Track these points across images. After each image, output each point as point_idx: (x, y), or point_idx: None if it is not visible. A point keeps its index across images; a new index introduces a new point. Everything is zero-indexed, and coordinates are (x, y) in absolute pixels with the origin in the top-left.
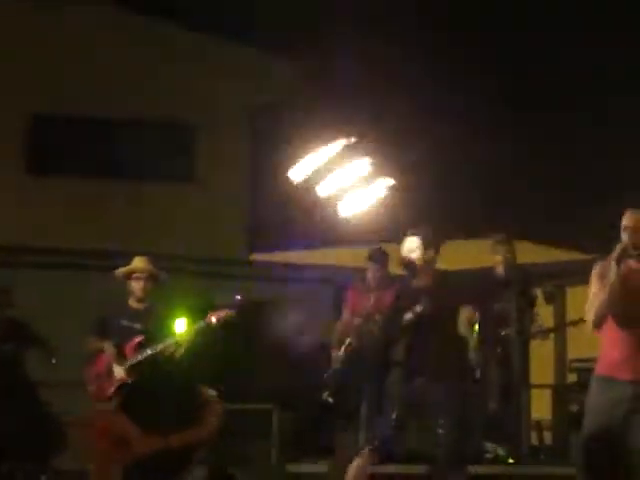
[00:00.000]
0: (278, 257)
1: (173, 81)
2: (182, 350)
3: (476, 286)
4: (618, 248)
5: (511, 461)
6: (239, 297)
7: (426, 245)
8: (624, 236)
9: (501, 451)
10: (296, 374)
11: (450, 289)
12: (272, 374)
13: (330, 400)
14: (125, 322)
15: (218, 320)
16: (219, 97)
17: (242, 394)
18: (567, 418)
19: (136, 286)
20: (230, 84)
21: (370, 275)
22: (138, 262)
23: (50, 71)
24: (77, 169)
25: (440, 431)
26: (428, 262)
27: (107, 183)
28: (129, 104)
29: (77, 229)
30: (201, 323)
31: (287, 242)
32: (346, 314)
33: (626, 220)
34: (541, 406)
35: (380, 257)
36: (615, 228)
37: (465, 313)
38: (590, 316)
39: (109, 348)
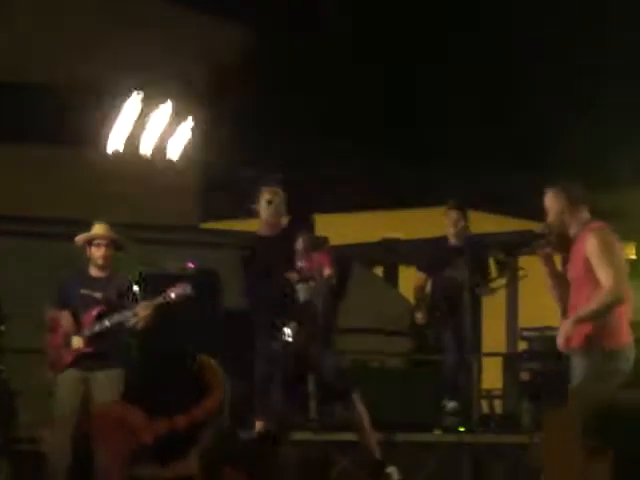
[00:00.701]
0: (229, 225)
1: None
2: (142, 323)
3: (427, 253)
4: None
5: (462, 429)
6: (191, 265)
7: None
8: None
9: (452, 419)
10: (248, 340)
11: None
12: (223, 341)
13: (290, 339)
14: (84, 291)
15: (177, 296)
16: (158, 64)
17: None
18: (517, 387)
19: (97, 253)
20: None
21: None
22: (98, 229)
23: None
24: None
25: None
26: None
27: (54, 150)
28: (64, 69)
29: (26, 197)
30: (160, 299)
31: (236, 210)
32: None
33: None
34: (492, 375)
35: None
36: None
37: (417, 279)
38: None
39: (67, 318)
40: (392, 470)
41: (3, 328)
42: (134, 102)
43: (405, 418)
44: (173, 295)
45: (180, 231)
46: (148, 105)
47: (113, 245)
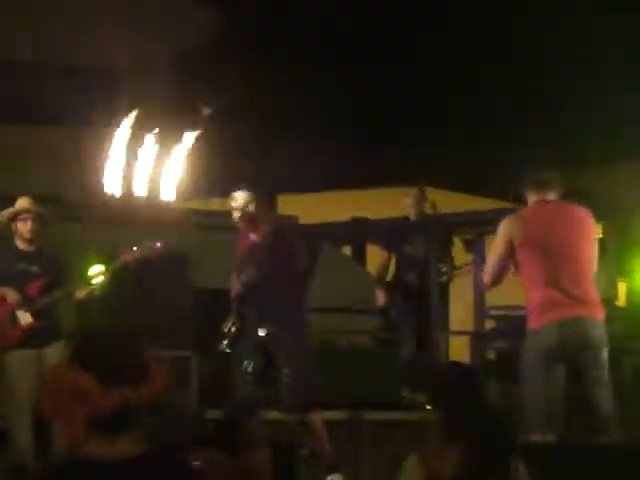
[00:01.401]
0: (201, 204)
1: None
2: (96, 292)
3: (389, 231)
4: None
5: (429, 407)
6: (159, 244)
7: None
8: None
9: (419, 397)
10: (215, 320)
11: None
12: (189, 320)
13: (228, 350)
14: (21, 265)
15: (133, 258)
16: (137, 41)
17: (160, 341)
18: (484, 365)
19: (23, 228)
20: (156, 24)
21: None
22: (23, 202)
23: None
24: None
25: (285, 380)
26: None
27: (25, 129)
28: (40, 47)
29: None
30: (115, 263)
31: (208, 189)
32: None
33: None
34: (459, 352)
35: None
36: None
37: (380, 257)
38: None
39: (12, 294)
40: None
41: None
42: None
43: (372, 396)
44: (126, 259)
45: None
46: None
47: (39, 219)
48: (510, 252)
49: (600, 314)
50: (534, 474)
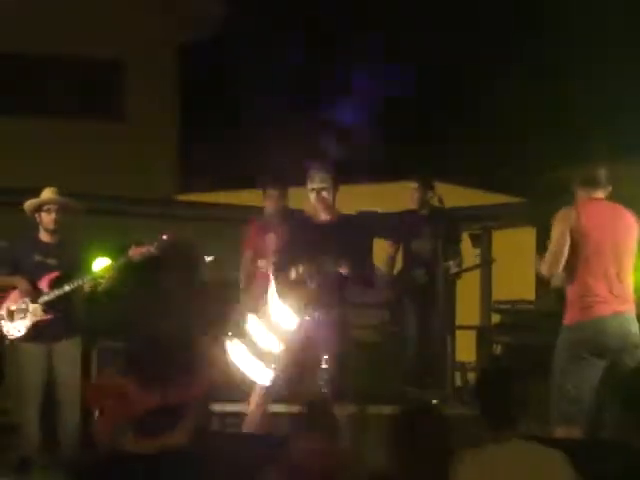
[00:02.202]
0: (210, 197)
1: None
2: (102, 286)
3: (395, 224)
4: None
5: (435, 402)
6: (165, 236)
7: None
8: None
9: (424, 393)
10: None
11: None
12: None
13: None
14: (38, 257)
15: (139, 255)
16: (146, 32)
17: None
18: (491, 360)
19: (46, 218)
20: (157, 18)
21: (270, 206)
22: (47, 193)
23: None
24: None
25: (322, 367)
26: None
27: (31, 120)
28: (51, 39)
29: (2, 167)
30: (121, 260)
31: (218, 181)
32: (247, 253)
33: None
34: (466, 347)
35: (281, 183)
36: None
37: (386, 249)
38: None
39: (23, 284)
40: None
41: None
42: None
43: (377, 391)
44: (135, 255)
45: (156, 204)
46: None
47: (63, 210)
48: (567, 241)
49: (635, 311)
50: None
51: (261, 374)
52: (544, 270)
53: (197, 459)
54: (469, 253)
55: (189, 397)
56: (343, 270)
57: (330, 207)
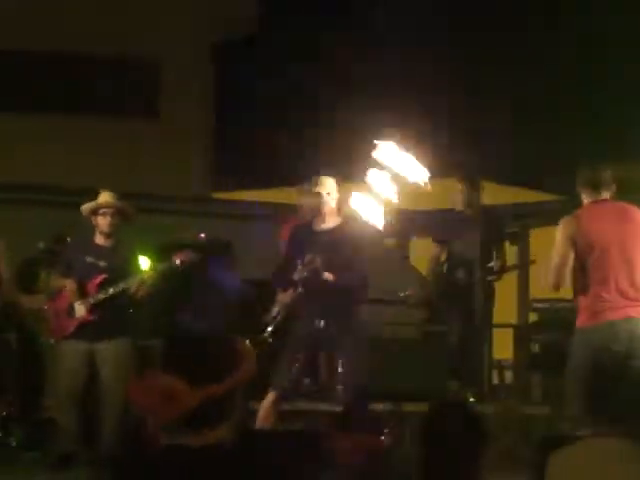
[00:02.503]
0: (243, 195)
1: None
2: (145, 290)
3: (437, 224)
4: None
5: (472, 399)
6: (203, 235)
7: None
8: None
9: (465, 391)
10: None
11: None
12: (236, 313)
13: (270, 340)
14: (90, 259)
15: (182, 262)
16: (180, 32)
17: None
18: (528, 358)
19: (102, 222)
20: (191, 18)
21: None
22: (104, 197)
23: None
24: (35, 105)
25: (340, 369)
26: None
27: (67, 119)
28: (90, 38)
29: (39, 165)
30: (165, 264)
31: (252, 180)
32: (283, 251)
33: None
34: (503, 345)
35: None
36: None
37: (432, 250)
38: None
39: (71, 285)
40: None
41: None
42: None
43: (417, 389)
44: (178, 261)
45: (192, 202)
46: None
47: (119, 214)
48: (570, 251)
49: None
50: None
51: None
52: (549, 284)
53: (243, 454)
54: (507, 251)
55: (231, 392)
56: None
57: (333, 212)
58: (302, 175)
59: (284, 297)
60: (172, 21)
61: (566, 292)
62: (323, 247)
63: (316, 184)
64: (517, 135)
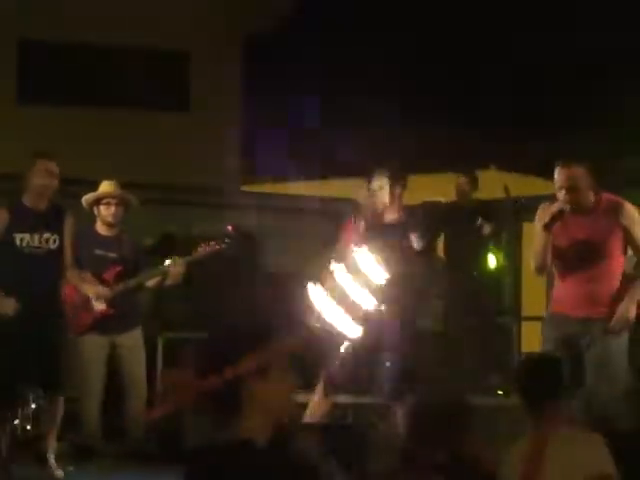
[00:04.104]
0: (273, 188)
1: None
2: (172, 280)
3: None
4: (552, 212)
5: (500, 393)
6: (230, 227)
7: (394, 181)
8: (559, 195)
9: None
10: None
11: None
12: (261, 307)
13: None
14: (99, 251)
15: (208, 254)
16: (211, 23)
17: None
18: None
19: (105, 212)
20: (222, 9)
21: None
22: (106, 187)
23: None
24: (65, 97)
25: (387, 364)
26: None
27: (96, 111)
28: (120, 30)
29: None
30: (190, 256)
31: (283, 172)
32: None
33: (560, 179)
34: (531, 339)
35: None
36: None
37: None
38: (532, 263)
39: (89, 279)
40: None
41: None
42: None
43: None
44: (204, 253)
45: (221, 194)
46: None
47: (122, 204)
48: (549, 236)
49: (605, 313)
50: None
51: (350, 327)
52: (533, 268)
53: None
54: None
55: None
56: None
57: (390, 206)
58: (336, 168)
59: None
60: (203, 12)
61: None
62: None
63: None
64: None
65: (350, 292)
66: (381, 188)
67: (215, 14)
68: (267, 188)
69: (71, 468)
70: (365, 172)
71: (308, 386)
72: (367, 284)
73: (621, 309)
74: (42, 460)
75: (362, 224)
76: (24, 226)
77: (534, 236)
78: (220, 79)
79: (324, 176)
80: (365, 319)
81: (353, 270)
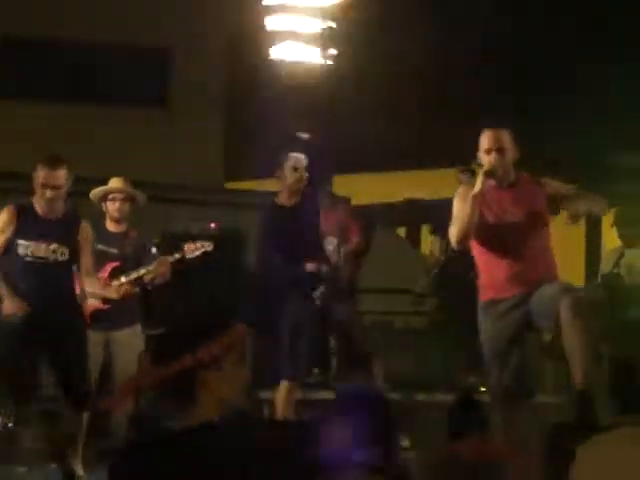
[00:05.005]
0: (255, 185)
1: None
2: (159, 279)
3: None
4: (485, 172)
5: (483, 389)
6: (214, 225)
7: None
8: (484, 158)
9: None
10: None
11: None
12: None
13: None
14: (101, 246)
15: (195, 253)
16: (193, 19)
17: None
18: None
19: (111, 207)
20: (204, 5)
21: None
22: (114, 182)
23: None
24: (44, 93)
25: None
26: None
27: (76, 107)
28: (97, 26)
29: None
30: (176, 255)
31: (264, 169)
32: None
33: (486, 141)
34: None
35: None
36: None
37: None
38: (454, 232)
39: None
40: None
41: None
42: None
43: (427, 378)
44: (190, 252)
45: (205, 191)
46: None
47: (129, 199)
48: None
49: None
50: None
51: None
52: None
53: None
54: None
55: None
56: None
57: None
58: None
59: None
60: (185, 8)
61: (576, 281)
62: None
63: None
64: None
65: None
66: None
67: (197, 10)
68: (251, 185)
69: (54, 466)
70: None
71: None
72: None
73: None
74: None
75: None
76: (30, 234)
77: (457, 209)
78: (203, 76)
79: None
80: None
81: None
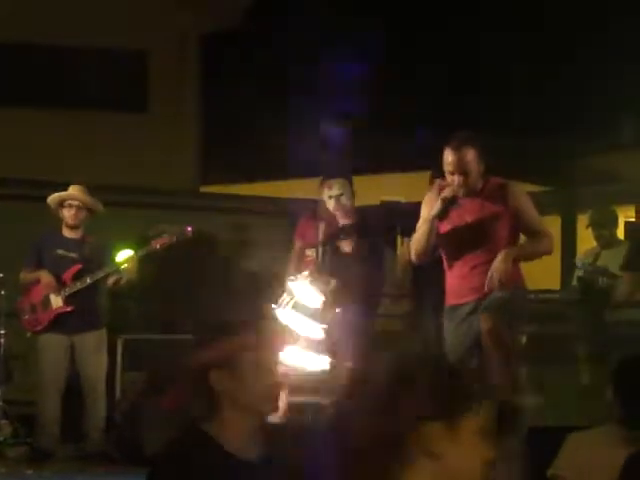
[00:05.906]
0: (230, 189)
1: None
2: (125, 278)
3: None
4: (444, 198)
5: None
6: (189, 229)
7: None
8: (448, 179)
9: None
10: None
11: None
12: (217, 306)
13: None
14: (61, 251)
15: (161, 245)
16: (168, 22)
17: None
18: (517, 349)
19: (67, 214)
20: (179, 8)
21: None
22: (72, 190)
23: None
24: (18, 98)
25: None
26: None
27: (51, 111)
28: (74, 29)
29: (18, 158)
30: (143, 250)
31: (239, 173)
32: (297, 244)
33: (450, 162)
34: None
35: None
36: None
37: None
38: (412, 247)
39: (46, 277)
40: None
41: (3, 292)
42: None
43: None
44: (157, 245)
45: (180, 195)
46: None
47: (85, 207)
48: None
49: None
50: None
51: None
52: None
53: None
54: None
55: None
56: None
57: (349, 213)
58: (291, 169)
59: None
60: (160, 11)
61: (553, 283)
62: None
63: (330, 187)
64: (505, 125)
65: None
66: (342, 194)
67: (172, 13)
68: (227, 189)
69: (30, 472)
70: (325, 173)
71: None
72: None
73: (492, 267)
74: None
75: (322, 225)
76: None
77: (422, 217)
78: (179, 79)
79: (284, 177)
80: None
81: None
